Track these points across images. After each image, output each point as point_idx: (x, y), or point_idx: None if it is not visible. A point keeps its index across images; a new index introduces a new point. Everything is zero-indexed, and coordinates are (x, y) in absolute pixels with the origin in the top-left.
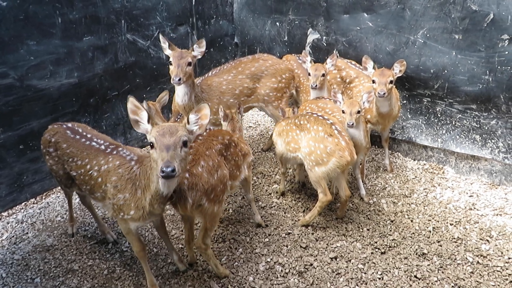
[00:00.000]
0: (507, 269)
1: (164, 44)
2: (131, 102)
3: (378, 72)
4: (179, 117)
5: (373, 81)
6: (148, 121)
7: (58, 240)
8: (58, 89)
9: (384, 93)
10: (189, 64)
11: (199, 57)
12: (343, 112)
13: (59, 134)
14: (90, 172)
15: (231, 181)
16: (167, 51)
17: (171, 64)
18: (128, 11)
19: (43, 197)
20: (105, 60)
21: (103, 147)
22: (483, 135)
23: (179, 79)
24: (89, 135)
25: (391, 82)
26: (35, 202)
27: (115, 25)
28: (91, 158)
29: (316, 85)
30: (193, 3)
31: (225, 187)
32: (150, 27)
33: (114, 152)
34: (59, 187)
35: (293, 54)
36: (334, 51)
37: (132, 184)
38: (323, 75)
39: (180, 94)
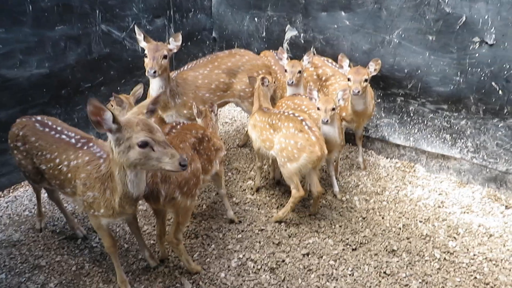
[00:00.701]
0: (472, 265)
1: (140, 36)
2: (92, 104)
3: (354, 70)
4: None
5: (348, 79)
6: (114, 121)
7: (25, 235)
8: (28, 79)
9: (358, 91)
10: (165, 57)
11: (175, 51)
12: (318, 109)
13: (27, 128)
14: (59, 167)
15: (203, 175)
16: (142, 43)
17: (146, 56)
18: (103, 1)
19: (11, 190)
20: (78, 51)
21: (73, 140)
22: (453, 135)
23: (154, 72)
24: (59, 128)
25: (365, 80)
26: (2, 195)
27: (89, 15)
28: (61, 152)
29: (293, 82)
30: None
31: (198, 181)
32: (125, 18)
33: (85, 148)
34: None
35: (270, 50)
36: (311, 49)
37: (101, 183)
38: (300, 72)
39: (155, 87)
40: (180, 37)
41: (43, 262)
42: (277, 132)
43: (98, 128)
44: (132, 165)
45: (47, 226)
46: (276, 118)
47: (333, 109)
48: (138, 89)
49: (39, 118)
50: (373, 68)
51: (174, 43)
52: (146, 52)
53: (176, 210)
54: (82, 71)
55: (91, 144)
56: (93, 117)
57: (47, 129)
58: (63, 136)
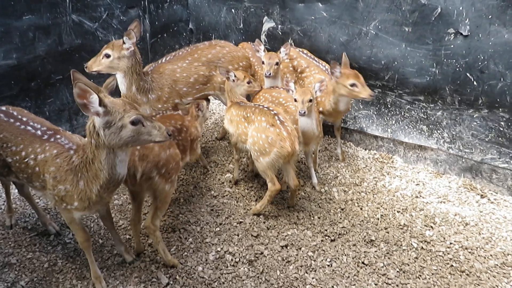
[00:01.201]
0: (448, 253)
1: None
2: (78, 87)
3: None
4: None
5: (295, 100)
6: (100, 104)
7: None
8: None
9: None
10: (107, 56)
11: (132, 48)
12: (295, 100)
13: None
14: (26, 160)
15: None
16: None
17: None
18: None
19: None
20: (47, 42)
21: (39, 132)
22: (430, 126)
23: (94, 71)
24: (24, 119)
25: (310, 100)
26: None
27: (59, 4)
28: (26, 144)
29: (270, 74)
30: None
31: (178, 166)
32: (98, 8)
33: (52, 140)
34: None
35: (248, 42)
36: (289, 40)
37: (74, 175)
38: (277, 63)
39: (119, 83)
40: (133, 33)
41: (13, 260)
42: (251, 125)
43: (85, 111)
44: (124, 144)
45: (18, 222)
46: (251, 111)
47: (310, 100)
48: (111, 81)
49: (3, 108)
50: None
51: (129, 41)
52: None
53: (154, 193)
54: (53, 62)
55: (58, 136)
56: (79, 100)
57: (12, 120)
58: (29, 128)
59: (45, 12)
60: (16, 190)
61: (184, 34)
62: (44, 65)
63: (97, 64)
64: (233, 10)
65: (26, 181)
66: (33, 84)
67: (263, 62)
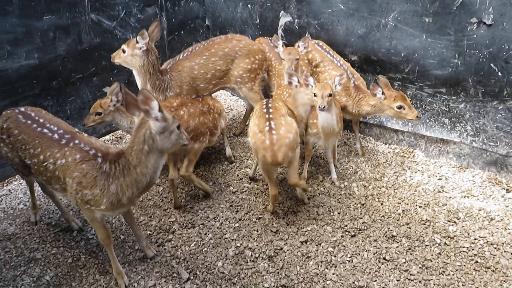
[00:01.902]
0: (473, 249)
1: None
2: (143, 94)
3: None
4: None
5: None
6: (159, 110)
7: (20, 229)
8: (17, 71)
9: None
10: (123, 51)
11: (144, 48)
12: (314, 95)
13: (11, 120)
14: (45, 164)
15: (211, 136)
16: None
17: None
18: None
19: (5, 184)
20: (67, 41)
21: (56, 136)
22: (452, 119)
23: (115, 62)
24: (41, 120)
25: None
26: None
27: (78, 4)
28: (44, 148)
29: (292, 69)
30: None
31: (206, 132)
32: (116, 7)
33: (71, 144)
34: None
35: (265, 37)
36: (307, 34)
37: (105, 180)
38: (297, 59)
39: (136, 79)
40: (146, 34)
41: (38, 255)
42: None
43: (147, 116)
44: (171, 148)
45: (42, 219)
46: (256, 112)
47: (330, 95)
48: (115, 88)
49: (22, 109)
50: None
51: (142, 41)
52: None
53: (187, 152)
54: (73, 61)
55: (76, 141)
56: (143, 105)
57: (29, 121)
58: (45, 130)
59: (65, 12)
60: (40, 188)
61: (201, 30)
62: (64, 64)
63: (118, 57)
64: (249, 6)
65: (45, 183)
66: (54, 83)
67: (282, 58)
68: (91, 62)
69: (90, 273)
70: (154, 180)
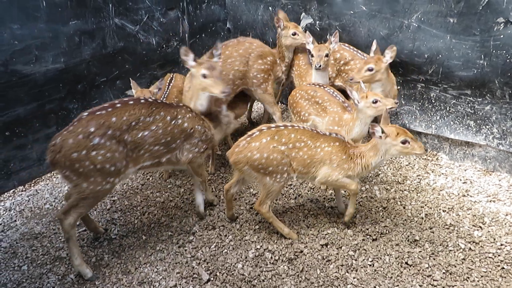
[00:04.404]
0: (499, 255)
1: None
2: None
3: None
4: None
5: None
6: None
7: (47, 228)
8: (44, 74)
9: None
10: None
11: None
12: (311, 56)
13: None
14: None
15: None
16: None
17: None
18: None
19: (32, 184)
20: (92, 45)
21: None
22: (478, 121)
23: None
24: None
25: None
26: (24, 189)
27: (103, 9)
28: None
29: (320, 66)
30: None
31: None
32: (139, 11)
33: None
34: (48, 174)
35: None
36: (328, 36)
37: None
38: (327, 55)
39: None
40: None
41: (63, 254)
42: None
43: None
44: None
45: None
46: None
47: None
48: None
49: None
50: (389, 56)
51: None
52: None
53: None
54: (98, 65)
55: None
56: None
57: None
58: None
59: (90, 17)
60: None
61: (222, 33)
62: (89, 68)
63: None
64: (270, 8)
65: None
66: (79, 87)
67: (312, 55)
68: (114, 65)
69: (113, 273)
70: None
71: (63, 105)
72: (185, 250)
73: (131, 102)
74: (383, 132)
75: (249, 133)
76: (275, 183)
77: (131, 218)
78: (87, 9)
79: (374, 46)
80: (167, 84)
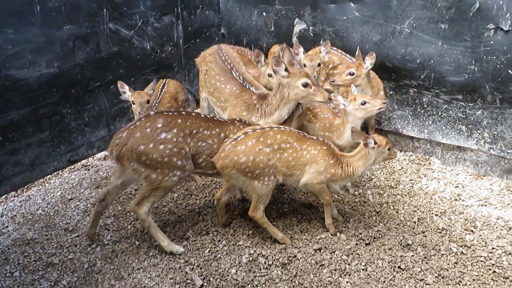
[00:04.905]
0: (490, 259)
1: None
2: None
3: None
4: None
5: None
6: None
7: (39, 234)
8: (38, 79)
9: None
10: None
11: None
12: (304, 65)
13: None
14: None
15: None
16: None
17: None
18: (110, 0)
19: (24, 190)
20: (86, 50)
21: None
22: (469, 126)
23: None
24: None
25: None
26: (16, 195)
27: (97, 13)
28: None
29: (315, 76)
30: None
31: None
32: (133, 16)
33: None
34: (41, 180)
35: (279, 45)
36: (327, 39)
37: None
38: (319, 65)
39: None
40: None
41: (56, 260)
42: None
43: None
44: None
45: (60, 224)
46: None
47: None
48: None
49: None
50: (369, 62)
51: None
52: None
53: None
54: (91, 70)
55: None
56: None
57: None
58: None
59: (84, 21)
60: (59, 193)
61: (216, 38)
62: (83, 72)
63: None
64: (264, 13)
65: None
66: (73, 91)
67: (304, 65)
68: (109, 70)
69: (106, 279)
70: None
71: (56, 109)
72: (179, 255)
73: (194, 114)
74: (375, 143)
75: (234, 136)
76: (263, 186)
77: (124, 223)
78: (81, 14)
79: (357, 51)
80: (159, 90)
